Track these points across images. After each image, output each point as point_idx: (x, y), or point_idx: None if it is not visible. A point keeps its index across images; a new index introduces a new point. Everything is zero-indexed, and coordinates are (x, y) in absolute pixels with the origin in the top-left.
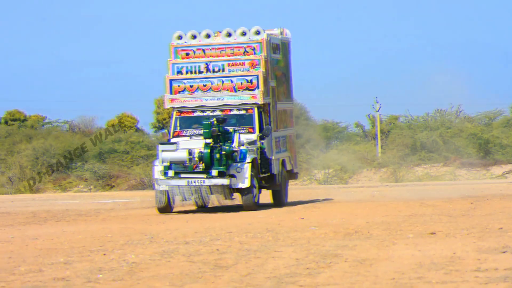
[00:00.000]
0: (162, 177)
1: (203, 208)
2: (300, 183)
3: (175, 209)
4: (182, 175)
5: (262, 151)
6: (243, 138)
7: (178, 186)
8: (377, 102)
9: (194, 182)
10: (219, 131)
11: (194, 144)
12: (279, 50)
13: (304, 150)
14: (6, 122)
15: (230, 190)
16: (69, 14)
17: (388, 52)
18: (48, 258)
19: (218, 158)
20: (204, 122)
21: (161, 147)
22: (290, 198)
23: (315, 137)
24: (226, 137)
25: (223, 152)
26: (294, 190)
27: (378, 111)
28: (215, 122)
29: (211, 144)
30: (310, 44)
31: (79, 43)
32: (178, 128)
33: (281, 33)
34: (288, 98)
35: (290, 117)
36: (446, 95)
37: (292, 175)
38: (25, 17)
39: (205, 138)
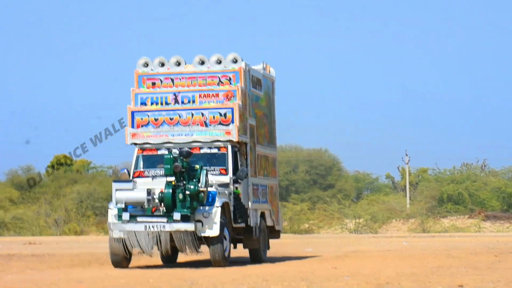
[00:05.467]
0: (117, 221)
1: (170, 263)
2: (332, 232)
3: (133, 263)
4: (139, 219)
5: (236, 197)
6: (212, 179)
7: (135, 232)
8: (407, 155)
9: (153, 227)
10: (183, 167)
11: (156, 184)
12: (261, 86)
13: (336, 200)
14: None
15: (196, 238)
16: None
17: (419, 105)
18: None
19: (181, 199)
20: (166, 156)
21: (115, 185)
22: (324, 246)
23: (347, 187)
24: (192, 174)
25: (188, 192)
26: (326, 239)
27: (407, 163)
28: (179, 156)
29: (173, 183)
30: (342, 95)
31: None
32: (141, 167)
33: (264, 69)
34: (270, 143)
35: (273, 166)
36: (473, 148)
37: (274, 232)
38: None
39: (166, 175)
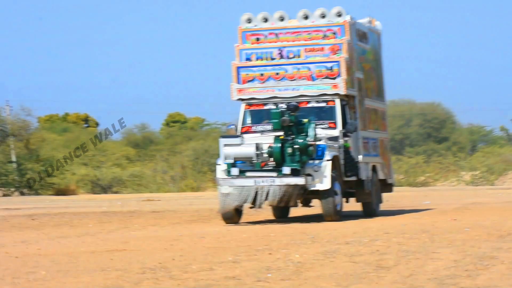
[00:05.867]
0: (225, 176)
1: (282, 217)
2: (448, 184)
3: (244, 218)
4: (248, 174)
5: (346, 150)
6: (321, 132)
7: (244, 187)
8: None
9: (263, 182)
10: (291, 121)
11: (264, 139)
12: (367, 40)
13: (451, 153)
14: (167, 124)
15: (306, 193)
16: None
17: None
18: (217, 256)
19: (290, 153)
20: (273, 111)
21: (223, 141)
22: (441, 198)
23: (461, 140)
24: (300, 128)
25: (297, 146)
26: (443, 191)
27: None
28: (286, 110)
29: (282, 137)
30: (454, 48)
31: None
32: (249, 123)
33: (370, 23)
34: (379, 96)
35: (382, 119)
36: None
37: (387, 186)
38: None
39: (274, 129)
